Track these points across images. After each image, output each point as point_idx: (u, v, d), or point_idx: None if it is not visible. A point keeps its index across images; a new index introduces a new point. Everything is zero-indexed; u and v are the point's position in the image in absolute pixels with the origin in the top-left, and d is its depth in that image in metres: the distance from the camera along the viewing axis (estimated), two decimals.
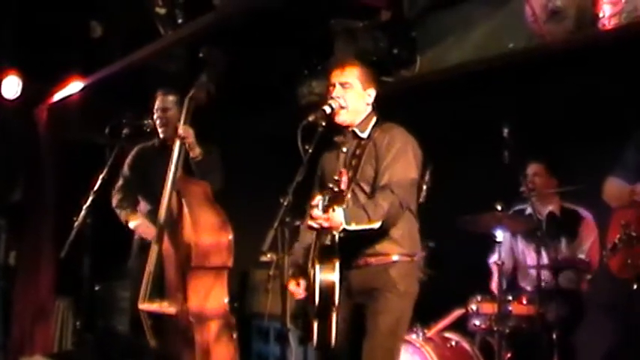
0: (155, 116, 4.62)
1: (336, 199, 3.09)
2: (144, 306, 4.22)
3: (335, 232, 3.21)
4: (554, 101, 4.84)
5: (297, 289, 3.47)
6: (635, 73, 4.18)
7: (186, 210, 4.17)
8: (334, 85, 3.46)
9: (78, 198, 4.46)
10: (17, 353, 5.99)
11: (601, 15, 4.13)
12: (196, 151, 4.34)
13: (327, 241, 3.29)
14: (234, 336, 4.19)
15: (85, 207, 4.39)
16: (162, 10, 5.32)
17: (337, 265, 3.23)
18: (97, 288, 6.26)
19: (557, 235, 4.69)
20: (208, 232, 4.16)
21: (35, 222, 6.36)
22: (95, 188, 4.42)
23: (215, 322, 4.12)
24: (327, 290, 3.20)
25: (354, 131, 3.48)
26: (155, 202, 4.50)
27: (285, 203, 3.09)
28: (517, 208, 4.82)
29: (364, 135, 3.46)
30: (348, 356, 3.35)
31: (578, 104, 4.74)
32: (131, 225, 4.58)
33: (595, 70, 4.56)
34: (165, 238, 4.28)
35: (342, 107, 3.40)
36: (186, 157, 4.34)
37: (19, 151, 6.39)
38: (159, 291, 4.27)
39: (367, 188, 3.37)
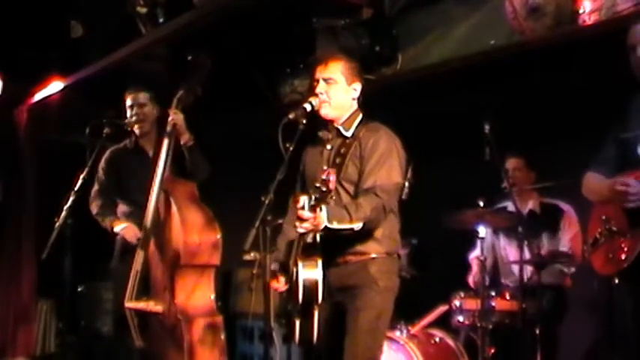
0: (130, 114, 4.59)
1: (324, 198, 3.06)
2: (130, 304, 4.21)
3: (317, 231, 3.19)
4: (535, 97, 4.86)
5: (278, 285, 3.45)
6: (615, 69, 4.20)
7: (174, 209, 4.18)
8: (318, 81, 3.42)
9: (58, 198, 4.42)
10: None
11: (581, 11, 4.16)
12: (186, 136, 4.34)
13: (310, 239, 3.28)
14: (222, 337, 4.19)
15: (65, 207, 4.35)
16: (143, 9, 5.31)
17: (320, 263, 3.22)
18: (79, 289, 6.22)
19: (539, 230, 4.71)
20: (197, 230, 4.18)
21: (16, 223, 6.32)
22: (76, 188, 4.37)
23: (203, 319, 4.13)
24: (309, 288, 3.19)
25: (338, 129, 3.45)
26: (134, 203, 4.50)
27: (267, 202, 3.06)
28: (499, 205, 4.83)
29: (348, 134, 3.42)
30: (331, 354, 3.34)
31: (558, 99, 4.77)
32: (117, 229, 4.52)
33: (575, 65, 4.58)
34: (152, 238, 4.27)
35: (324, 102, 3.37)
36: (173, 153, 4.33)
37: None
38: (145, 290, 4.26)
39: (351, 188, 3.34)
